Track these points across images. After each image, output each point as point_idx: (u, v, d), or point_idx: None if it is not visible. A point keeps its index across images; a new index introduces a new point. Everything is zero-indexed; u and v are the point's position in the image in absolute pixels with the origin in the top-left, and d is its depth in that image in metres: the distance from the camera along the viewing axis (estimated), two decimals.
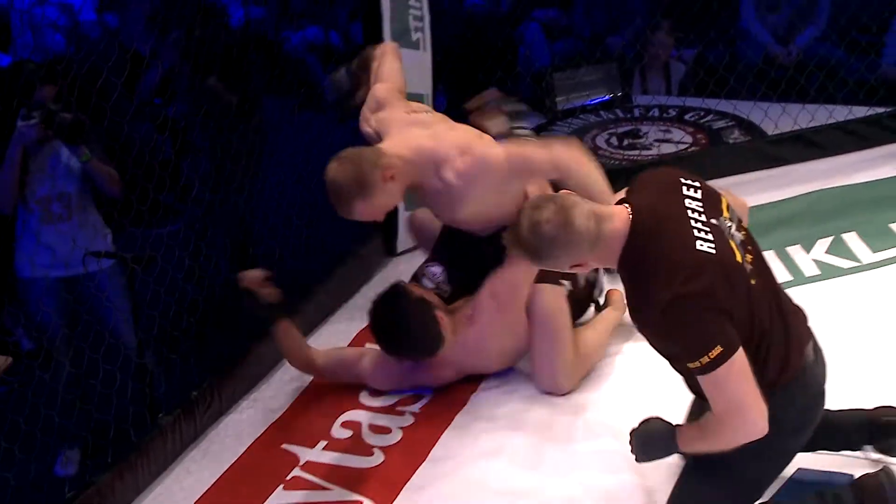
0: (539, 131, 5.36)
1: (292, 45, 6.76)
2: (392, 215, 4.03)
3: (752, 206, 4.26)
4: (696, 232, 2.36)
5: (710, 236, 2.36)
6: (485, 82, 5.07)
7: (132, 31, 4.10)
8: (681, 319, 2.30)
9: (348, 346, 3.70)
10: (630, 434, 2.57)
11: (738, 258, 2.39)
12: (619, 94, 5.61)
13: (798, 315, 2.56)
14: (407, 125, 3.25)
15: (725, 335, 2.30)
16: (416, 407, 3.37)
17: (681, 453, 2.59)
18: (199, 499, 3.07)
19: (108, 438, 3.17)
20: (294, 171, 4.33)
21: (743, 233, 2.50)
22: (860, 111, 4.88)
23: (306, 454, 3.19)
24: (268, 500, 3.01)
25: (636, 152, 4.98)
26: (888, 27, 5.48)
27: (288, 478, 3.10)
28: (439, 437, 3.21)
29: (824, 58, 5.24)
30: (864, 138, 4.77)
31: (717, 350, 2.29)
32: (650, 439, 2.52)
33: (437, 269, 3.43)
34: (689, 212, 2.40)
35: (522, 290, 3.31)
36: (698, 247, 2.33)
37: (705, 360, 2.29)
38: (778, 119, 4.85)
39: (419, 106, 3.44)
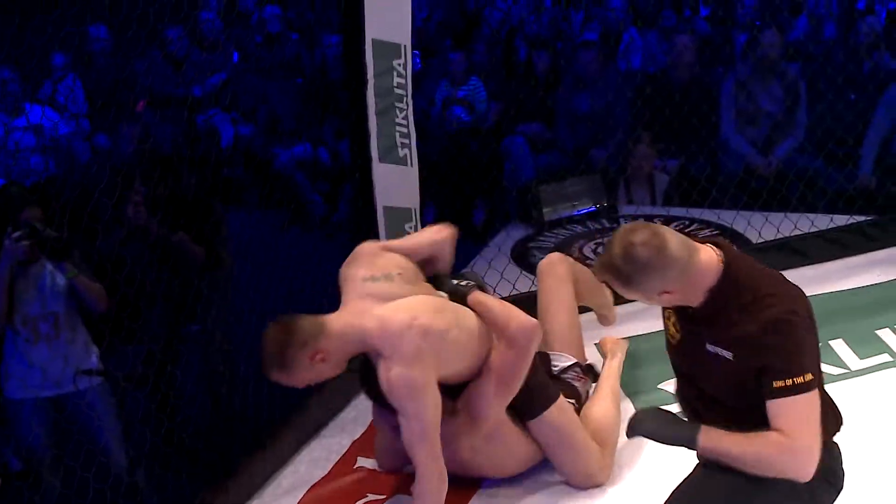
0: (527, 242, 5.43)
1: (281, 161, 6.88)
2: None
3: None
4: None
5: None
6: (471, 195, 5.17)
7: (122, 152, 4.16)
8: (787, 336, 2.35)
9: (339, 461, 3.67)
10: (644, 410, 2.58)
11: None
12: (605, 204, 5.70)
13: None
14: (360, 297, 3.10)
15: (816, 367, 2.37)
16: None
17: (690, 448, 2.53)
18: None
19: None
20: (280, 286, 4.34)
21: None
22: (841, 220, 4.97)
23: None
24: None
25: None
26: (863, 139, 5.62)
27: None
28: None
29: (803, 168, 5.37)
30: (846, 246, 4.85)
31: (809, 376, 2.34)
32: (666, 425, 2.50)
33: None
34: None
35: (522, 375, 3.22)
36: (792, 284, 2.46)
37: (798, 380, 2.33)
38: (761, 228, 4.92)
39: (387, 265, 3.19)
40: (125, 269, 3.64)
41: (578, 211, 5.69)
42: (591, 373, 3.67)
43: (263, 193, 6.15)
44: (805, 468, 2.35)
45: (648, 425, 2.53)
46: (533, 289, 4.65)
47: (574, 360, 3.62)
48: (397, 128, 4.32)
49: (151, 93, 6.19)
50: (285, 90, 7.19)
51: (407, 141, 4.35)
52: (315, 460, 3.72)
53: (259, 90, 7.22)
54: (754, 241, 4.95)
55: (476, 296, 3.23)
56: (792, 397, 2.32)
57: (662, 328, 4.34)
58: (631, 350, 4.11)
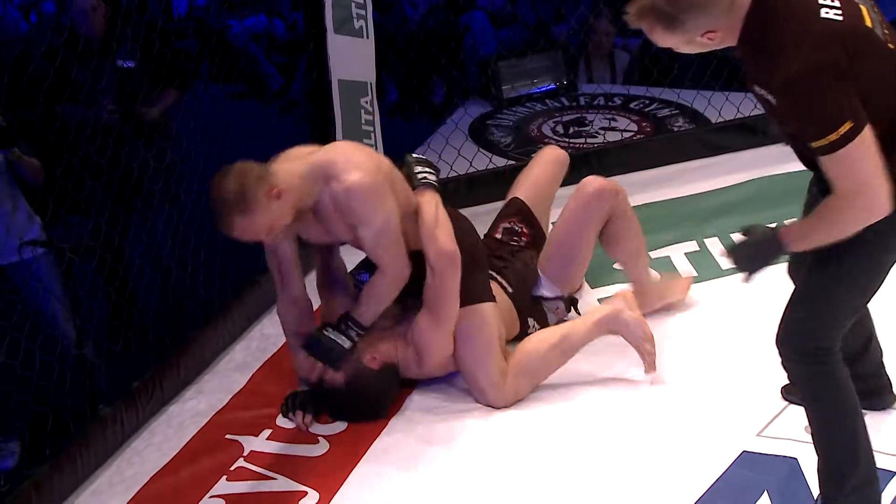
0: (485, 119, 5.36)
1: (235, 33, 6.71)
2: None
3: (698, 194, 4.40)
4: (820, 0, 2.22)
5: (836, 4, 2.23)
6: (429, 71, 5.07)
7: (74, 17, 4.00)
8: (808, 92, 2.17)
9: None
10: (729, 251, 2.46)
11: (870, 23, 2.25)
12: (565, 82, 5.62)
13: None
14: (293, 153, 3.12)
15: (854, 109, 2.17)
16: None
17: (791, 255, 2.50)
18: (140, 490, 3.01)
19: (47, 431, 3.10)
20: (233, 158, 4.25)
21: (876, 9, 2.34)
22: None
23: (250, 444, 3.14)
24: (211, 490, 2.96)
25: (582, 140, 4.99)
26: None
27: (232, 468, 3.05)
28: (385, 426, 3.18)
29: None
30: None
31: (847, 126, 2.16)
32: (756, 250, 2.40)
33: (365, 277, 3.32)
34: None
35: (455, 297, 3.18)
36: (823, 14, 2.20)
37: (833, 136, 2.17)
38: (721, 108, 4.88)
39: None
40: (69, 138, 3.53)
41: (538, 88, 5.60)
42: (570, 303, 3.58)
43: (217, 65, 6.00)
44: (879, 206, 2.22)
45: (745, 263, 2.43)
46: (490, 166, 4.63)
47: (559, 295, 3.55)
48: None
49: None
50: None
51: (363, 12, 4.23)
52: (267, 336, 3.71)
53: None
54: (714, 121, 4.92)
55: (422, 196, 3.19)
56: (838, 152, 2.18)
57: None
58: None
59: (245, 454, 3.11)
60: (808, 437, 2.84)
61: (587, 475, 2.90)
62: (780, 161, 4.54)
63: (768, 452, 2.89)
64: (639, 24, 2.30)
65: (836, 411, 2.51)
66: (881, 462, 2.74)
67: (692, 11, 2.22)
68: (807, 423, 2.66)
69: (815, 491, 2.70)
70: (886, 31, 2.30)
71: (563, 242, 3.52)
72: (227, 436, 3.19)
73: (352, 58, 4.22)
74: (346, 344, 3.11)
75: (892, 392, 2.98)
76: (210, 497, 2.94)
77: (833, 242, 2.30)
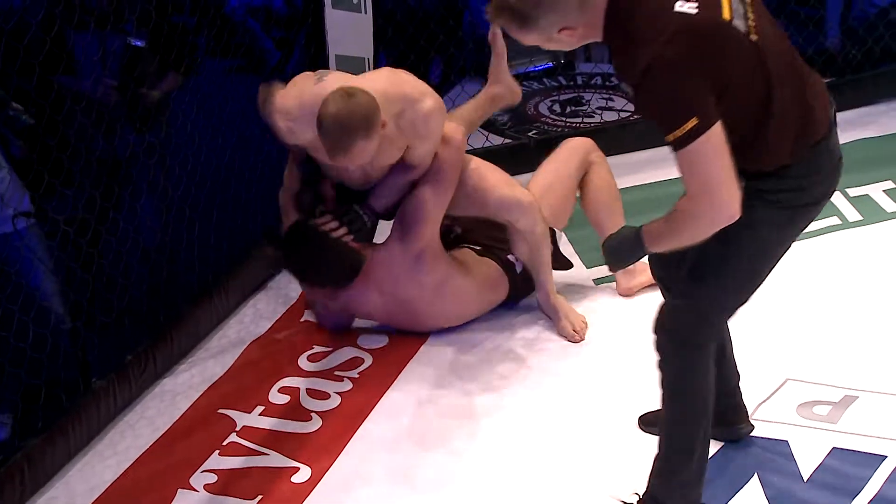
0: None
1: (232, 6, 6.66)
2: None
3: None
4: None
5: None
6: (427, 47, 5.04)
7: None
8: (656, 87, 2.13)
9: (285, 312, 3.68)
10: (601, 246, 2.52)
11: (727, 15, 2.19)
12: (562, 61, 5.60)
13: (815, 76, 2.41)
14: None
15: (703, 106, 2.13)
16: (354, 373, 3.35)
17: (653, 255, 2.52)
18: (133, 464, 3.02)
19: (39, 403, 3.10)
20: (230, 133, 4.22)
21: None
22: None
23: (243, 419, 3.16)
24: (203, 464, 2.97)
25: (578, 120, 4.98)
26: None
27: (224, 443, 3.06)
28: (376, 403, 3.20)
29: None
30: None
31: (692, 122, 2.11)
32: (619, 245, 2.43)
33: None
34: None
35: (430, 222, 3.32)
36: (677, 7, 2.14)
37: (679, 132, 2.12)
38: None
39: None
40: (63, 110, 3.50)
41: (535, 67, 5.58)
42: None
43: (213, 39, 5.95)
44: (725, 210, 2.17)
45: (609, 257, 2.48)
46: (487, 144, 4.62)
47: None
48: None
49: None
50: None
51: None
52: (260, 312, 3.72)
53: None
54: None
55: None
56: (684, 149, 2.13)
57: None
58: (580, 209, 4.10)
59: (237, 429, 3.12)
60: (800, 421, 2.87)
61: (580, 454, 2.92)
62: None
63: (758, 435, 2.90)
64: (496, 23, 2.29)
65: (689, 406, 2.50)
66: (867, 446, 2.77)
67: (541, 9, 2.19)
68: (797, 404, 2.67)
69: (806, 473, 2.72)
70: (752, 23, 2.23)
71: (545, 184, 3.63)
72: (220, 410, 3.20)
73: (349, 33, 4.21)
74: (368, 222, 3.30)
75: (748, 420, 2.89)
76: (202, 471, 2.95)
77: (717, 235, 2.23)
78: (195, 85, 4.34)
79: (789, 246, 2.43)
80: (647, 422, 2.94)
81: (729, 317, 2.51)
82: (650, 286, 3.32)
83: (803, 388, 3.07)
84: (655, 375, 2.50)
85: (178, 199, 3.76)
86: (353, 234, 3.27)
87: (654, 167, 4.42)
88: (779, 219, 2.34)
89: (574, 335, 3.40)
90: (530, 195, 3.43)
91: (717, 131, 2.14)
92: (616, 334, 3.42)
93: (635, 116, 4.96)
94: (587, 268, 3.80)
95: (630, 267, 2.98)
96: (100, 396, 3.18)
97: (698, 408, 2.49)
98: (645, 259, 2.54)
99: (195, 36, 4.89)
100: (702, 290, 2.43)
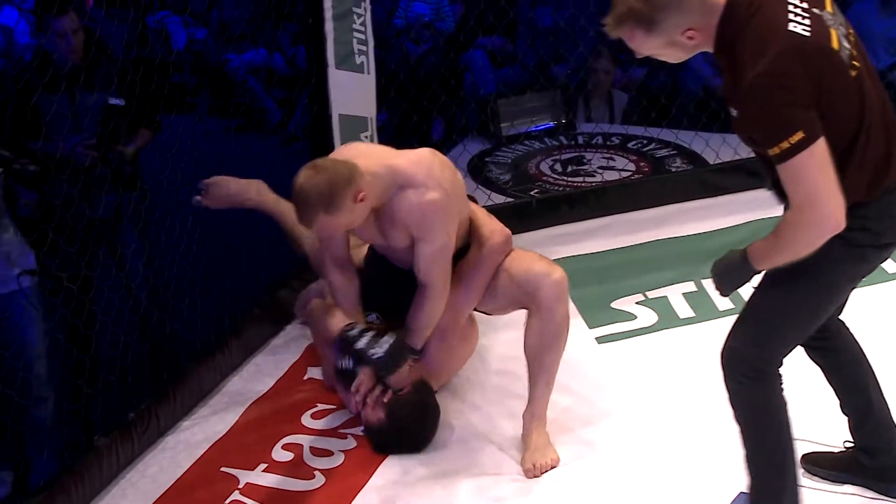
0: (484, 156, 5.38)
1: (233, 67, 6.73)
2: None
3: (696, 234, 4.41)
4: (790, 15, 2.24)
5: (806, 21, 2.24)
6: (429, 107, 5.09)
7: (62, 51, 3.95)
8: (764, 99, 2.19)
9: (289, 369, 3.66)
10: (711, 271, 2.49)
11: (835, 45, 2.26)
12: (563, 121, 5.66)
13: None
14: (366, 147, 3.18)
15: (808, 121, 2.18)
16: (358, 430, 3.32)
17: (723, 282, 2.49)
18: None
19: (42, 460, 3.08)
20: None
21: (850, 33, 2.36)
22: None
23: (246, 476, 3.12)
24: None
25: (580, 179, 5.01)
26: None
27: (227, 501, 3.02)
28: (381, 462, 3.17)
29: None
30: None
31: (798, 136, 2.17)
32: (726, 269, 2.43)
33: (372, 318, 3.33)
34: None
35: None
36: (791, 28, 2.22)
37: (785, 145, 2.17)
38: (719, 149, 4.91)
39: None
40: (67, 170, 3.53)
41: (537, 126, 5.64)
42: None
43: (215, 99, 6.01)
44: (830, 220, 2.21)
45: (720, 282, 2.47)
46: (489, 203, 4.64)
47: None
48: (354, 34, 4.22)
49: None
50: None
51: (364, 48, 4.26)
52: (262, 369, 3.70)
53: None
54: (711, 162, 4.94)
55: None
56: (789, 161, 2.18)
57: (614, 247, 4.37)
58: (583, 268, 4.12)
59: (240, 487, 3.08)
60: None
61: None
62: (777, 203, 4.59)
63: None
64: (618, 33, 2.31)
65: (767, 436, 2.51)
66: None
67: (667, 10, 2.25)
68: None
69: None
70: (854, 60, 2.31)
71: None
72: (223, 468, 3.17)
73: (353, 93, 4.24)
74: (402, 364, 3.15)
75: None
76: None
77: (787, 265, 2.30)
78: (192, 144, 4.36)
79: (856, 285, 2.46)
80: (812, 461, 2.90)
81: (789, 351, 2.50)
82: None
83: None
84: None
85: (179, 258, 3.77)
86: (390, 374, 3.16)
87: (656, 225, 4.45)
88: (851, 255, 2.36)
89: (530, 471, 3.07)
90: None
91: (821, 145, 2.20)
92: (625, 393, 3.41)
93: (636, 176, 5.01)
94: (589, 328, 3.80)
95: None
96: (102, 454, 3.15)
97: (779, 438, 2.50)
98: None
99: (195, 96, 4.93)
100: (767, 322, 2.45)
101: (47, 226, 3.32)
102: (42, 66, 3.66)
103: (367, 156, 3.06)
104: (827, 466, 2.85)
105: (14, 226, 3.56)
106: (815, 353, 2.73)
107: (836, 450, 2.86)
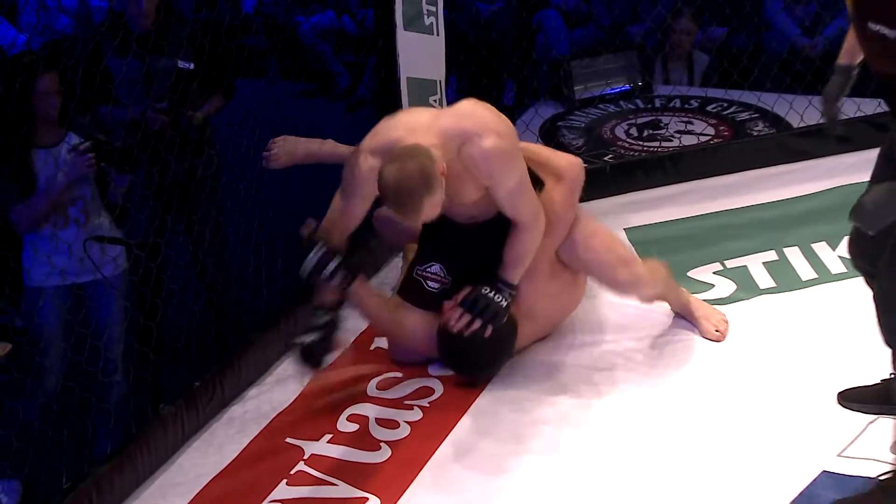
0: (556, 121, 5.27)
1: (304, 30, 6.69)
2: None
3: (778, 201, 4.26)
4: None
5: None
6: (500, 70, 4.99)
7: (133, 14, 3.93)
8: None
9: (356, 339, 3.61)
10: (851, 212, 2.41)
11: None
12: (640, 83, 5.52)
13: None
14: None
15: None
16: (425, 402, 3.26)
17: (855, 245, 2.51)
18: (200, 492, 2.97)
19: (109, 429, 3.08)
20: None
21: None
22: None
23: (311, 448, 3.09)
24: (271, 494, 2.91)
25: (656, 144, 4.87)
26: None
27: (292, 472, 2.99)
28: (448, 434, 3.11)
29: None
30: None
31: None
32: (879, 203, 2.37)
33: (436, 268, 3.31)
34: None
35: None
36: None
37: None
38: (804, 112, 4.71)
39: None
40: (139, 134, 3.51)
41: (612, 89, 5.51)
42: None
43: (285, 63, 5.96)
44: None
45: (866, 217, 2.42)
46: None
47: None
48: None
49: None
50: None
51: (433, 8, 4.18)
52: None
53: None
54: (795, 126, 4.77)
55: None
56: None
57: (690, 214, 4.27)
58: (659, 236, 4.00)
59: (305, 458, 3.05)
60: (892, 457, 2.73)
61: (664, 488, 2.81)
62: (863, 168, 4.38)
63: (849, 473, 2.76)
64: None
65: None
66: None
67: None
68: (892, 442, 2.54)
69: None
70: None
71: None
72: (288, 439, 3.14)
73: (421, 55, 4.16)
74: (504, 303, 3.15)
75: None
76: (269, 501, 2.89)
77: None
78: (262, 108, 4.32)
79: None
80: (846, 397, 2.89)
81: None
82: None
83: None
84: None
85: (244, 224, 3.74)
86: (493, 323, 3.16)
87: (736, 192, 4.32)
88: None
89: (718, 338, 3.40)
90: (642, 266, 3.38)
91: None
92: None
93: (715, 141, 4.86)
94: None
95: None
96: (167, 423, 3.14)
97: None
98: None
99: (263, 59, 4.90)
100: None
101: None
102: (113, 29, 3.65)
103: (414, 132, 3.02)
104: (868, 400, 2.80)
105: (106, 211, 3.58)
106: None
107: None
